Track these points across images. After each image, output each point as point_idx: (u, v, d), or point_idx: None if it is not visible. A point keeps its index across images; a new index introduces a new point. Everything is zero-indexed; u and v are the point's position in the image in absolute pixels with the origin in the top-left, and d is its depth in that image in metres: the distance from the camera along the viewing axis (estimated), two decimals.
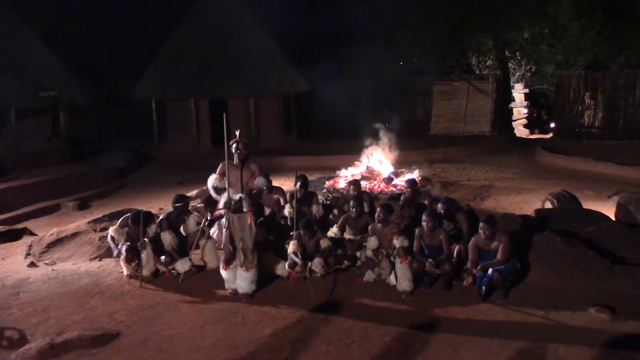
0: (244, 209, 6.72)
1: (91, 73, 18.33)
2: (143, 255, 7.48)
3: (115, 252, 7.80)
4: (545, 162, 15.84)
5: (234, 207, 6.66)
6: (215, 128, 18.12)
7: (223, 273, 7.00)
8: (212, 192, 7.08)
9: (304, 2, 20.26)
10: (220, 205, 6.75)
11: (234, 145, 6.75)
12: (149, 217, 7.77)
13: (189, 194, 9.38)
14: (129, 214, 7.78)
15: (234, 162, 6.78)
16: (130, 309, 6.69)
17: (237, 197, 6.68)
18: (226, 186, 6.80)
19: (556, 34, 20.99)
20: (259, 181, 6.89)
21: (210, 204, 8.19)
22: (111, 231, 7.74)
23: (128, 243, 7.56)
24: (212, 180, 6.97)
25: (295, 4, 19.82)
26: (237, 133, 6.84)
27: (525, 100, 22.89)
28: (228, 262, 6.89)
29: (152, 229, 7.67)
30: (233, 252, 6.85)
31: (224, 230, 6.88)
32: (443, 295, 6.78)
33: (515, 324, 6.04)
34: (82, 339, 5.87)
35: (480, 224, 6.76)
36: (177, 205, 7.83)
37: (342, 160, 12.51)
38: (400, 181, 10.34)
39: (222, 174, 6.86)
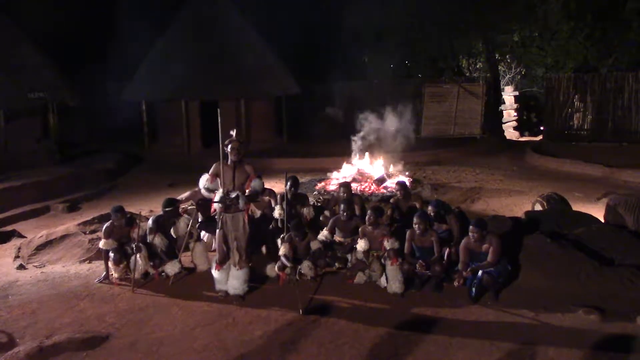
0: (241, 207, 6.71)
1: (81, 74, 18.24)
2: (138, 259, 7.42)
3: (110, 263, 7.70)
4: (535, 164, 15.93)
5: (229, 204, 6.65)
6: (206, 129, 18.09)
7: (215, 273, 6.96)
8: (204, 192, 7.06)
9: (297, 4, 20.26)
10: (216, 199, 6.74)
11: (230, 145, 6.71)
12: (128, 217, 7.73)
13: (180, 197, 9.34)
14: (107, 223, 7.68)
15: (228, 163, 6.75)
16: (120, 312, 6.66)
17: (233, 194, 6.67)
18: (218, 187, 6.77)
19: (546, 37, 21.12)
20: (256, 183, 6.85)
21: (202, 206, 8.16)
22: (102, 245, 7.65)
23: (116, 245, 7.53)
24: (203, 181, 6.95)
25: (288, 6, 19.85)
26: (234, 133, 6.80)
27: (515, 102, 23.02)
28: (222, 262, 6.87)
29: (135, 231, 7.61)
30: (227, 252, 6.84)
31: (217, 230, 6.86)
32: (434, 297, 6.80)
33: (506, 325, 6.06)
34: (71, 342, 5.83)
35: (470, 227, 6.79)
36: (167, 210, 7.80)
37: (332, 162, 12.52)
38: (391, 183, 10.36)
39: (214, 175, 6.82)
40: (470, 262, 6.80)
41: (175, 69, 18.18)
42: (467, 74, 23.43)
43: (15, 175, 13.30)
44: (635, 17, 17.29)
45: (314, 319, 6.28)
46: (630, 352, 5.43)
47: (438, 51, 22.30)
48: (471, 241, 6.80)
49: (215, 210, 6.89)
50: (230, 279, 6.88)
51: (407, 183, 9.38)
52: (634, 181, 13.10)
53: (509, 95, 23.19)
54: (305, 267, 7.26)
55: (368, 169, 11.30)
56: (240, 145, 6.76)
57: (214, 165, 6.82)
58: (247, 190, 6.80)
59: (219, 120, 6.66)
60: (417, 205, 8.26)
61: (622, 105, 18.02)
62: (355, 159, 11.73)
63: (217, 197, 6.73)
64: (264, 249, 8.27)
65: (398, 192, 8.54)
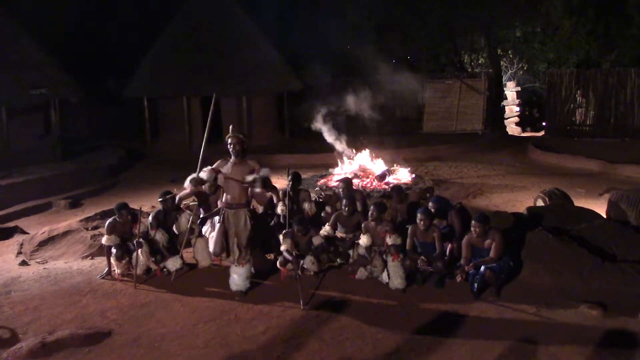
0: (258, 188, 6.71)
1: (83, 70, 18.24)
2: (140, 254, 7.44)
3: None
4: (537, 159, 15.91)
5: (255, 184, 6.66)
6: (210, 123, 18.04)
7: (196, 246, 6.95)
8: (186, 185, 7.08)
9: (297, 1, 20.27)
10: (185, 184, 6.81)
11: (228, 141, 6.74)
12: (133, 213, 7.75)
13: (182, 193, 9.32)
14: (110, 219, 7.71)
15: (231, 159, 6.77)
16: (122, 308, 6.67)
17: (250, 178, 6.67)
18: (210, 178, 6.78)
19: (548, 32, 21.07)
20: (264, 172, 6.84)
21: (204, 201, 8.17)
22: (104, 241, 7.65)
23: (118, 241, 7.53)
24: (203, 174, 6.96)
25: (289, 3, 19.84)
26: (230, 128, 6.82)
27: (517, 98, 22.98)
28: (217, 255, 6.82)
29: (136, 227, 7.61)
30: (225, 247, 6.84)
31: (217, 225, 6.86)
32: (435, 292, 6.79)
33: (507, 321, 6.06)
34: (74, 338, 5.84)
35: (473, 222, 6.78)
36: (161, 200, 7.81)
37: (334, 159, 12.49)
38: (394, 179, 10.36)
39: (216, 170, 6.83)
40: (472, 258, 6.80)
41: (177, 65, 18.18)
42: (469, 70, 23.37)
43: (18, 172, 13.33)
44: (637, 12, 17.24)
45: (316, 315, 6.28)
46: (633, 348, 5.43)
47: (440, 47, 22.25)
48: (474, 236, 6.79)
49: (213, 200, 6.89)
50: (232, 275, 6.89)
51: (402, 187, 9.21)
52: (636, 177, 13.07)
53: (511, 90, 23.14)
54: (308, 261, 7.26)
55: (370, 164, 11.29)
56: (240, 141, 6.75)
57: (220, 160, 6.86)
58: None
59: (209, 118, 6.70)
60: (422, 202, 8.20)
61: (624, 100, 17.98)
62: (356, 155, 11.71)
63: (186, 182, 6.79)
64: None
65: (393, 197, 8.41)
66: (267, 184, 6.89)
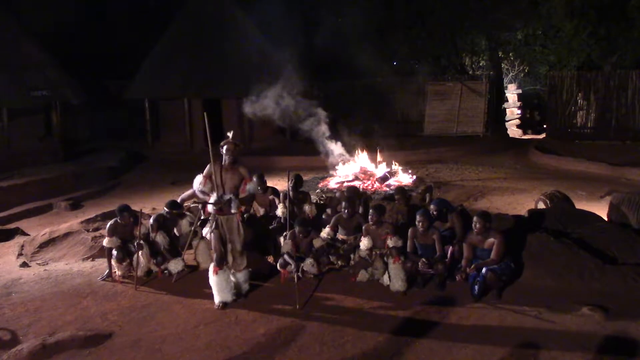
0: (233, 211, 6.69)
1: (84, 72, 18.27)
2: (140, 256, 7.44)
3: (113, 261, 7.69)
4: (538, 162, 15.90)
5: (222, 207, 6.63)
6: (209, 128, 18.05)
7: (213, 279, 6.68)
8: (198, 194, 7.03)
9: (299, 4, 20.28)
10: (210, 201, 6.76)
11: (225, 147, 6.74)
12: (135, 215, 7.76)
13: (185, 194, 9.34)
14: (111, 221, 7.72)
15: (223, 164, 6.76)
16: (123, 310, 6.67)
17: (226, 197, 6.66)
18: (212, 188, 6.74)
19: (549, 35, 21.08)
20: (250, 186, 6.85)
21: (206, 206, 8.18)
22: (105, 243, 7.64)
23: (119, 243, 7.53)
24: (197, 182, 6.92)
25: (292, 5, 19.84)
26: (230, 134, 6.83)
27: (519, 100, 23.00)
28: (220, 264, 6.74)
29: (138, 230, 7.60)
30: (225, 253, 6.82)
31: (212, 231, 6.84)
32: (436, 295, 6.78)
33: (508, 323, 6.04)
34: (74, 340, 5.84)
35: (474, 218, 6.77)
36: (167, 211, 7.81)
37: (334, 161, 12.48)
38: (395, 181, 10.35)
39: (208, 177, 6.80)
40: (473, 259, 6.79)
41: (178, 67, 18.21)
42: (470, 72, 23.39)
43: (19, 173, 13.35)
44: (639, 14, 17.22)
45: (316, 317, 6.27)
46: (634, 351, 5.41)
47: (441, 49, 22.27)
48: (474, 236, 6.78)
49: (209, 212, 6.90)
50: (231, 278, 6.86)
51: (405, 188, 9.20)
52: (637, 179, 13.07)
53: (512, 93, 23.17)
54: (308, 264, 7.25)
55: (370, 167, 11.28)
56: (235, 148, 6.76)
57: (208, 166, 6.81)
58: (241, 194, 6.79)
59: (206, 123, 6.71)
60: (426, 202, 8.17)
61: (625, 103, 17.99)
62: (357, 156, 11.70)
63: (211, 199, 6.73)
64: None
65: (396, 199, 8.38)
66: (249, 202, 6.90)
